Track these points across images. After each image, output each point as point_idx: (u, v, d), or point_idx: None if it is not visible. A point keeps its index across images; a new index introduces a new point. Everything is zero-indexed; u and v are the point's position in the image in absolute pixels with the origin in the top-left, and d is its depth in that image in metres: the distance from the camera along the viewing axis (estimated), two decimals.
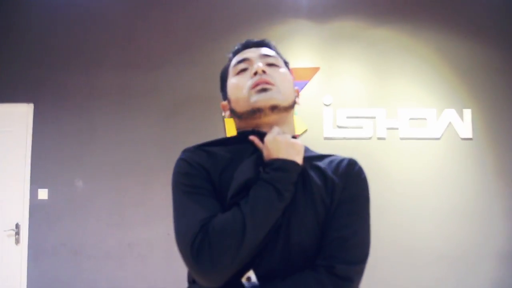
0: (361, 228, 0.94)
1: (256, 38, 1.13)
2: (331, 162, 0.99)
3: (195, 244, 0.84)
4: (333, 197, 0.93)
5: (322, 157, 1.01)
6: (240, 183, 0.89)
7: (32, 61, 3.78)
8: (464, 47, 3.63)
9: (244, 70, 1.00)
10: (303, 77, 3.63)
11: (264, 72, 0.96)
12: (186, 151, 1.01)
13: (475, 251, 3.45)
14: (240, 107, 0.99)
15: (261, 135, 0.96)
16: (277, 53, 1.07)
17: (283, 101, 0.98)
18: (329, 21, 3.70)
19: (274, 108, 0.96)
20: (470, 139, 3.55)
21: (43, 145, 3.70)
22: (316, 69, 3.66)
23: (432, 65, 3.63)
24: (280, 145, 0.91)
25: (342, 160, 0.99)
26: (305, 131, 3.58)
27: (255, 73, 0.97)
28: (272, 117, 0.97)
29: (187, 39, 3.75)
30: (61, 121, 3.72)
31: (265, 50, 1.03)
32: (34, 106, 3.75)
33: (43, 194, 3.66)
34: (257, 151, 0.95)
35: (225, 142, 1.01)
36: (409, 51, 3.65)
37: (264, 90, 0.95)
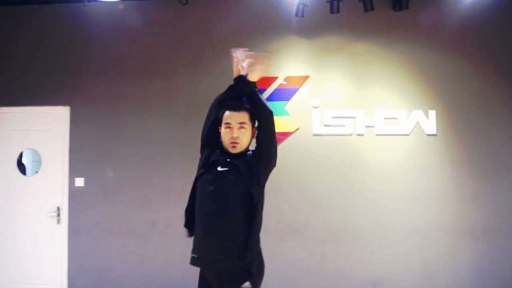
0: None
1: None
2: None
3: None
4: (251, 162, 2.09)
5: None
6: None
7: (68, 70, 4.33)
8: (430, 58, 4.13)
9: (228, 126, 2.10)
10: (295, 83, 4.19)
11: (236, 137, 2.07)
12: None
13: (436, 228, 4.02)
14: (224, 144, 2.13)
15: (229, 155, 2.12)
16: (247, 109, 2.12)
17: (241, 148, 2.11)
18: (317, 37, 4.22)
19: (236, 151, 2.11)
20: (434, 135, 4.09)
21: (79, 141, 4.27)
22: (306, 77, 4.20)
23: (403, 73, 4.15)
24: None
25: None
26: (297, 129, 4.14)
27: (233, 137, 2.08)
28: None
29: (198, 53, 4.28)
30: (94, 120, 4.29)
31: (241, 117, 2.10)
32: (70, 108, 4.32)
33: (80, 182, 4.25)
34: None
35: (219, 158, 2.14)
36: (384, 62, 4.17)
37: (234, 146, 2.09)
